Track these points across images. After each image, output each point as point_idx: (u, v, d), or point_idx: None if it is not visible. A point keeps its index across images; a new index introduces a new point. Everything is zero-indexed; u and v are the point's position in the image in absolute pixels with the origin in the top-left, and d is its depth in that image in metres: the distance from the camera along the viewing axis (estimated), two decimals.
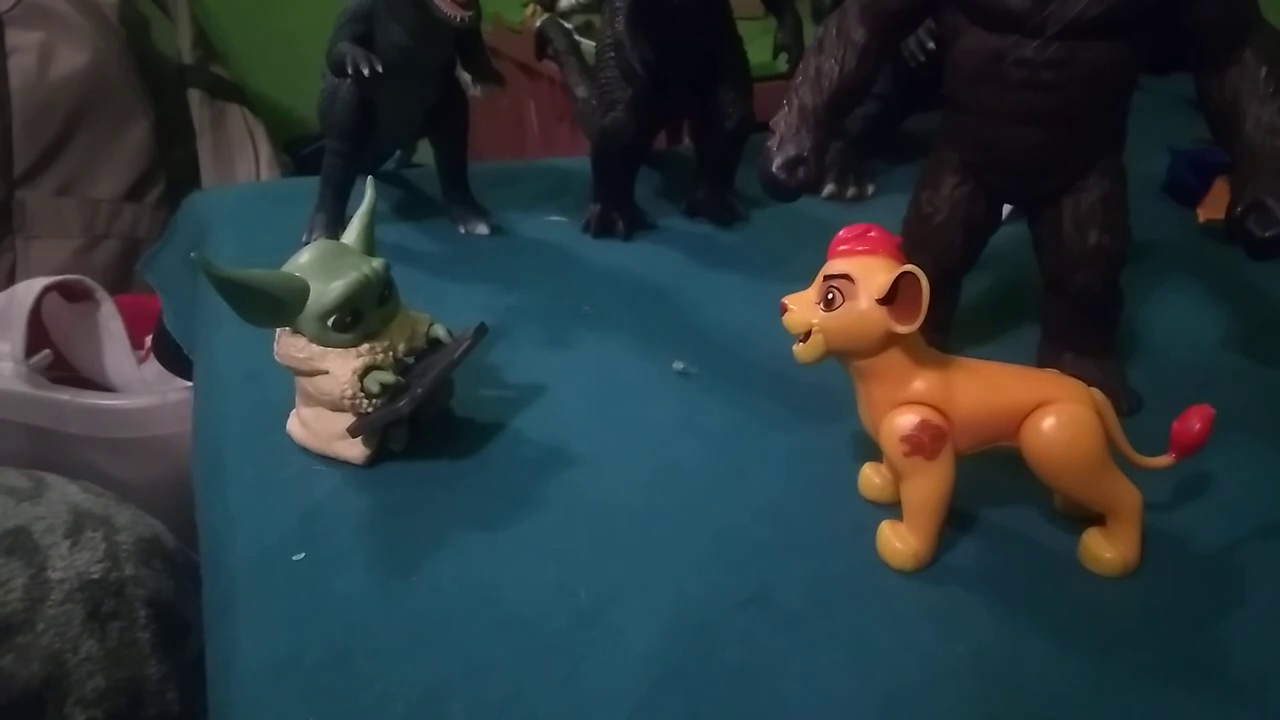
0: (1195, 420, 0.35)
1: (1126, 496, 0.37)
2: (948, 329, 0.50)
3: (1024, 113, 0.43)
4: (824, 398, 0.45)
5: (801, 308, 0.36)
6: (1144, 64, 0.43)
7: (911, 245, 0.46)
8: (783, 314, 0.37)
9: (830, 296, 0.35)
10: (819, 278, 0.36)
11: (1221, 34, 0.41)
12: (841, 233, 0.37)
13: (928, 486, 0.36)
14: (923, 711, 0.32)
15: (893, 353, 0.36)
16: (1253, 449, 0.44)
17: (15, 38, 1.37)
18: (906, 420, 0.36)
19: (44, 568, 0.60)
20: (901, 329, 0.34)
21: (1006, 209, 0.49)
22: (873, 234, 0.36)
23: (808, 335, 0.36)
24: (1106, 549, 0.37)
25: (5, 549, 0.60)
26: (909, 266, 0.34)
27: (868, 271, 0.35)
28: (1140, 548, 0.37)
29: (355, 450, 0.43)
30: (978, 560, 0.38)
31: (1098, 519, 0.38)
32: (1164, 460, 0.36)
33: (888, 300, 0.34)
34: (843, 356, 0.37)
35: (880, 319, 0.35)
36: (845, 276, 0.35)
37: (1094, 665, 0.34)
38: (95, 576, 0.61)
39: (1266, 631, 0.35)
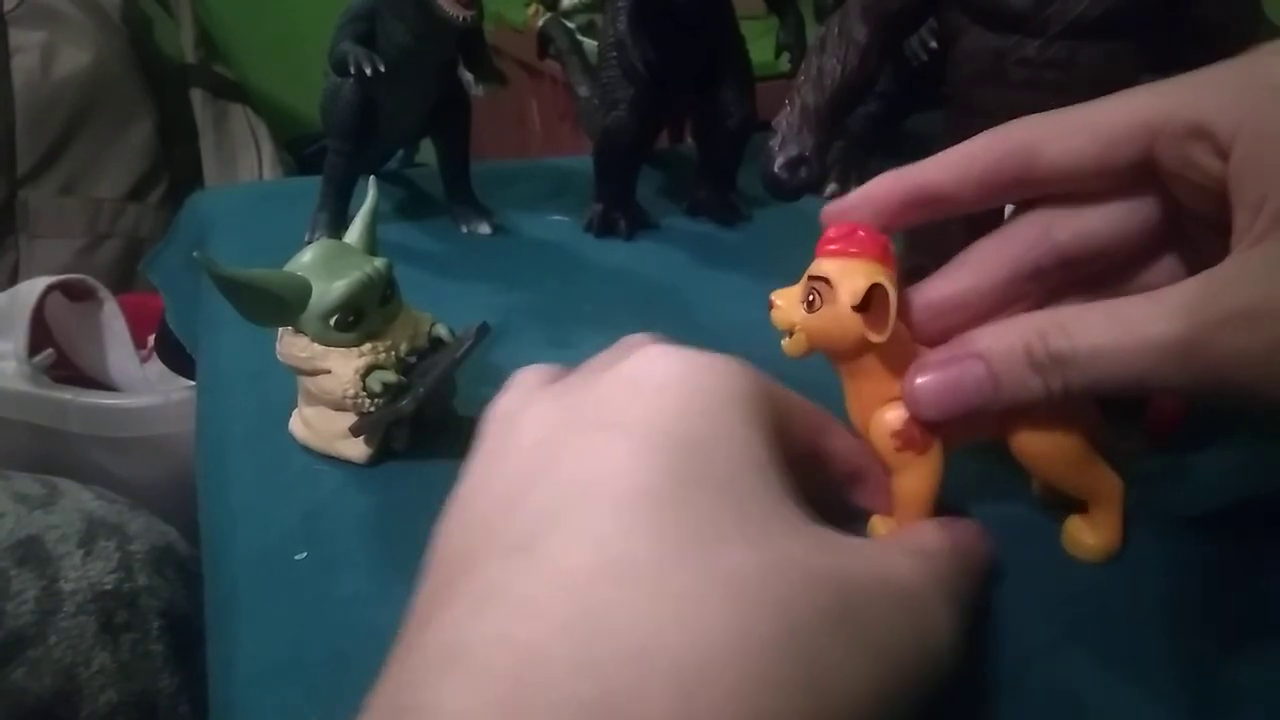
0: (1167, 403, 0.35)
1: (1108, 483, 0.37)
2: None
3: (1026, 112, 0.43)
4: (824, 397, 0.45)
5: (788, 304, 0.36)
6: (1145, 64, 0.43)
7: (912, 245, 0.46)
8: (770, 309, 0.36)
9: (810, 298, 0.35)
10: (805, 275, 0.36)
11: (1224, 34, 0.41)
12: (830, 230, 0.36)
13: (920, 480, 0.36)
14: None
15: (876, 354, 0.35)
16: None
17: (18, 37, 1.37)
18: (896, 415, 0.35)
19: (56, 578, 0.60)
20: (874, 338, 0.34)
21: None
22: (861, 234, 0.35)
23: (794, 330, 0.36)
24: (1089, 535, 0.37)
25: (17, 559, 0.59)
26: (879, 279, 0.33)
27: (846, 276, 0.34)
28: (1122, 533, 0.37)
29: (357, 449, 0.43)
30: None
31: (1079, 506, 0.38)
32: (1141, 447, 0.36)
33: (862, 308, 0.34)
34: (828, 355, 0.36)
35: (855, 325, 0.34)
36: (824, 279, 0.35)
37: (1086, 657, 0.34)
38: (108, 587, 0.61)
39: (1259, 624, 0.35)
